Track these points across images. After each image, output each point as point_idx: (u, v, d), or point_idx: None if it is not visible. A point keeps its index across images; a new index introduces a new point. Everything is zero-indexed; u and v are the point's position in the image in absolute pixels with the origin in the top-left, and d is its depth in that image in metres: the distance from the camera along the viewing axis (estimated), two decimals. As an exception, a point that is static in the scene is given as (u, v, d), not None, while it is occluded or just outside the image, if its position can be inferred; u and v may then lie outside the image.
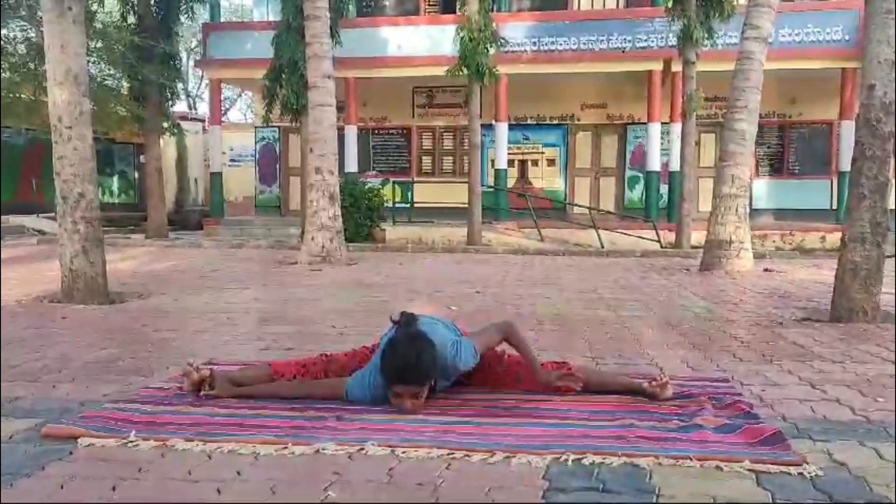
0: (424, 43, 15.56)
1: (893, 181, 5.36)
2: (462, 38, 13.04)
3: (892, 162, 5.12)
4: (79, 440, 2.39)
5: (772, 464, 2.17)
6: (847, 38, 14.42)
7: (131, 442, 2.38)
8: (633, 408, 2.78)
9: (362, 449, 2.31)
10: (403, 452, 2.29)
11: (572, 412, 2.72)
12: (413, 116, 17.97)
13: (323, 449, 2.31)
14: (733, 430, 2.49)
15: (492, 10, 14.15)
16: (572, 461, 2.21)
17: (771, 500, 1.95)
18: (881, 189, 5.07)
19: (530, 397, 2.92)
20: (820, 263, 10.28)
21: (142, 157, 18.23)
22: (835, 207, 15.21)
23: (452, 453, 2.28)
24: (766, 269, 9.20)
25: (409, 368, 2.69)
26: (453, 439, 2.39)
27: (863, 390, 3.12)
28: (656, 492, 2.01)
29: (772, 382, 3.29)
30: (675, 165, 14.37)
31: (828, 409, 2.84)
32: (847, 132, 13.46)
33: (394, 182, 16.84)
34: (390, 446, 2.32)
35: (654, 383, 2.92)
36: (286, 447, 2.32)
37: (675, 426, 2.54)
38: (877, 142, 5.05)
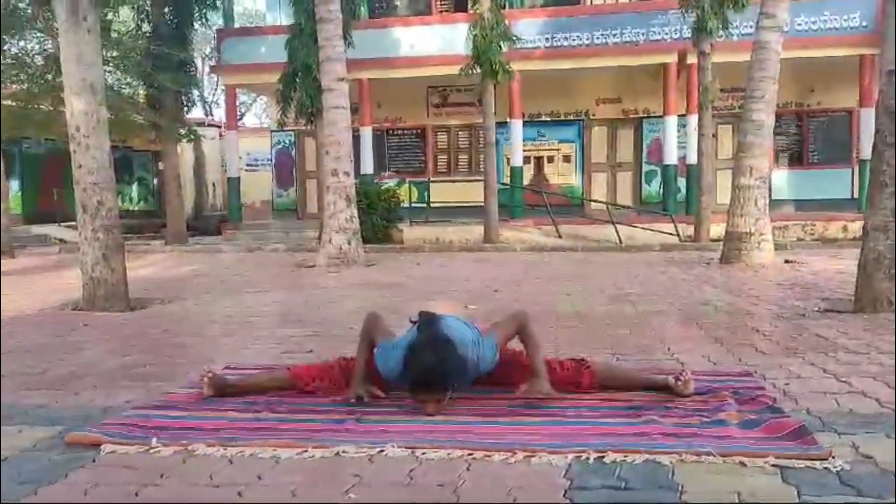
0: (437, 42, 15.53)
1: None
2: (475, 37, 13.04)
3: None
4: (101, 447, 2.41)
5: (796, 458, 2.14)
6: (865, 24, 14.22)
7: (153, 448, 2.39)
8: (656, 404, 2.75)
9: (382, 451, 2.31)
10: (423, 453, 2.28)
11: (593, 409, 2.70)
12: (428, 116, 17.96)
13: (343, 451, 2.31)
14: (757, 424, 2.45)
15: (504, 8, 14.12)
16: (594, 459, 2.19)
17: (797, 496, 1.92)
18: (903, 177, 4.98)
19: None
20: (842, 253, 10.16)
21: (160, 164, 18.40)
22: (856, 196, 15.00)
23: (472, 453, 2.27)
24: (787, 261, 9.11)
25: (432, 375, 2.65)
26: (473, 439, 2.38)
27: (889, 382, 3.07)
28: (679, 489, 1.99)
29: (795, 375, 3.25)
30: (692, 158, 14.27)
31: (853, 401, 2.79)
32: (867, 120, 13.28)
33: (410, 182, 16.86)
34: (410, 448, 2.32)
35: (678, 382, 2.88)
36: (306, 450, 2.33)
37: (697, 422, 2.51)
38: (897, 129, 4.97)
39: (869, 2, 14.13)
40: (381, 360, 2.91)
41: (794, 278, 7.47)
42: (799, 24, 14.11)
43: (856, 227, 12.63)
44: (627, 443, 2.29)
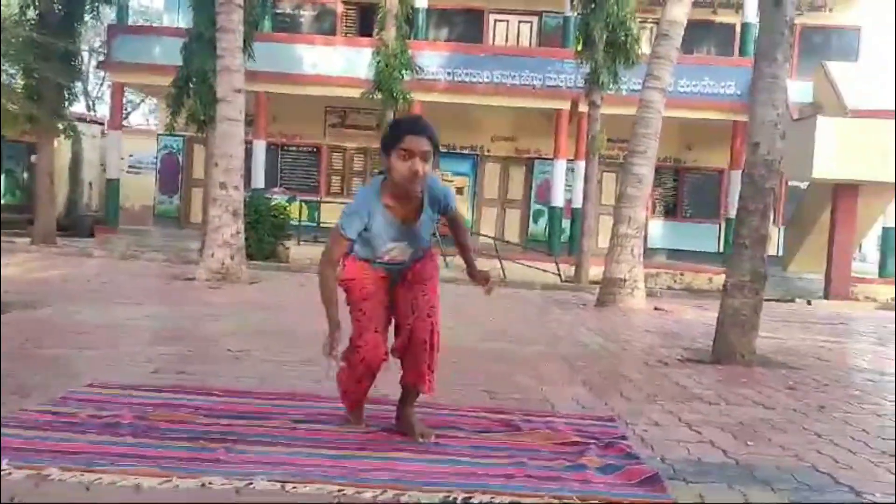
0: (340, 63, 15.55)
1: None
2: (378, 62, 13.16)
3: (771, 215, 5.49)
4: (-55, 468, 2.26)
5: (647, 505, 2.28)
6: (739, 93, 15.38)
7: (3, 470, 2.26)
8: (526, 446, 2.85)
9: (250, 483, 2.28)
10: (294, 487, 2.27)
11: (465, 448, 2.77)
12: (324, 135, 17.87)
13: (209, 483, 2.27)
14: (615, 470, 2.59)
15: (409, 38, 14.32)
16: (461, 499, 2.25)
17: (645, 542, 2.05)
18: (762, 241, 5.43)
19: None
20: (706, 304, 10.82)
21: (33, 157, 17.29)
22: (722, 251, 16.08)
23: (343, 489, 2.28)
24: (656, 308, 9.63)
25: (420, 120, 2.91)
26: (345, 474, 2.39)
27: (735, 433, 3.31)
28: (539, 532, 2.08)
29: (654, 423, 3.45)
30: (577, 202, 14.87)
31: (702, 450, 3.00)
32: (735, 180, 14.23)
33: (301, 200, 16.66)
34: (279, 481, 2.30)
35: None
36: (170, 480, 2.27)
37: (561, 465, 2.63)
38: (759, 196, 5.42)
39: (744, 72, 15.21)
40: (349, 218, 2.99)
41: (662, 325, 7.91)
42: (681, 86, 15.06)
43: (719, 280, 13.47)
44: (495, 484, 2.37)
